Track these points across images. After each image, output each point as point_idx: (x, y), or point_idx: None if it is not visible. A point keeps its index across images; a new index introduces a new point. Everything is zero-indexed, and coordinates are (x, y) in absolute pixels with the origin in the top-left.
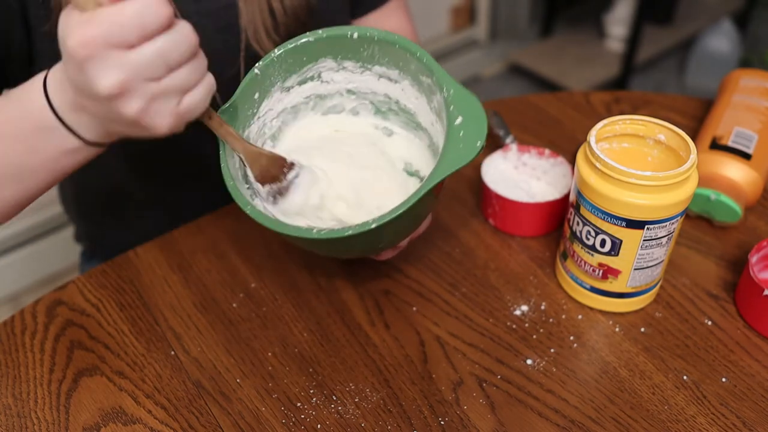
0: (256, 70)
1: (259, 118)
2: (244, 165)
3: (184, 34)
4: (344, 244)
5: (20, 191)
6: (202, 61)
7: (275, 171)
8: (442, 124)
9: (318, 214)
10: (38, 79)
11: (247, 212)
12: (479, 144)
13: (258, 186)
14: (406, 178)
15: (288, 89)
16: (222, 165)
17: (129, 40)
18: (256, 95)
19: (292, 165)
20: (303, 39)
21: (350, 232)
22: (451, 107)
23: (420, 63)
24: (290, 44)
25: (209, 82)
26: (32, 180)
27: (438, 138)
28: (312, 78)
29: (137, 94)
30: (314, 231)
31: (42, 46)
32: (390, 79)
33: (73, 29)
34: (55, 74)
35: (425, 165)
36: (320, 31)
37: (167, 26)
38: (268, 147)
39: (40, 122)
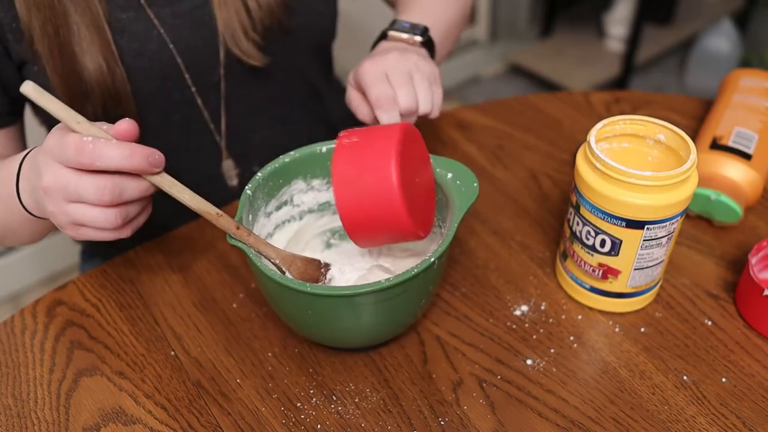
0: (248, 191)
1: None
2: (282, 271)
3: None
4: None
5: (14, 239)
6: (114, 214)
7: (313, 272)
8: None
9: None
10: (24, 152)
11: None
12: (475, 185)
13: None
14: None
15: (269, 215)
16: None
17: (81, 164)
18: (250, 217)
19: (327, 266)
20: (281, 160)
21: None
22: (437, 169)
23: None
24: (270, 167)
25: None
26: (15, 234)
27: None
28: (286, 203)
29: (56, 201)
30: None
31: (25, 56)
32: None
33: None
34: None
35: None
36: (293, 152)
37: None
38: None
39: (11, 191)
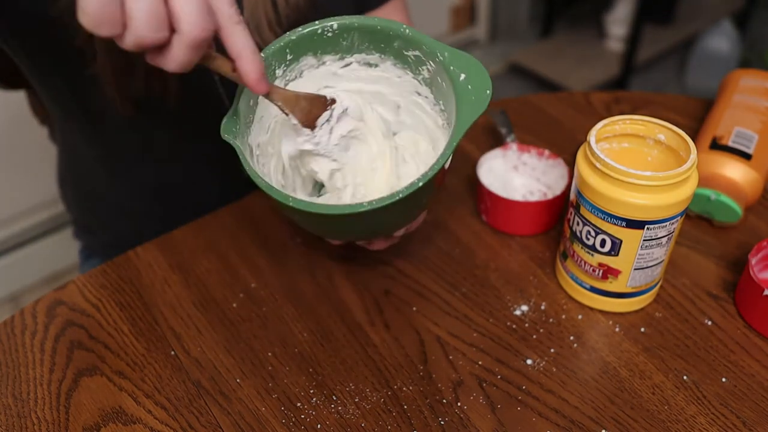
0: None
1: (254, 124)
2: (286, 113)
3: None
4: (370, 216)
5: None
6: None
7: (318, 111)
8: (437, 90)
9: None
10: None
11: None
12: (488, 92)
13: (308, 132)
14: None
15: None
16: (246, 168)
17: None
18: (251, 102)
19: (333, 101)
20: (285, 38)
21: (371, 207)
22: (451, 67)
23: (405, 39)
24: (273, 46)
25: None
26: None
27: (425, 110)
28: (294, 79)
29: None
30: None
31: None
32: (369, 65)
33: None
34: None
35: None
36: (300, 28)
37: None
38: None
39: None
